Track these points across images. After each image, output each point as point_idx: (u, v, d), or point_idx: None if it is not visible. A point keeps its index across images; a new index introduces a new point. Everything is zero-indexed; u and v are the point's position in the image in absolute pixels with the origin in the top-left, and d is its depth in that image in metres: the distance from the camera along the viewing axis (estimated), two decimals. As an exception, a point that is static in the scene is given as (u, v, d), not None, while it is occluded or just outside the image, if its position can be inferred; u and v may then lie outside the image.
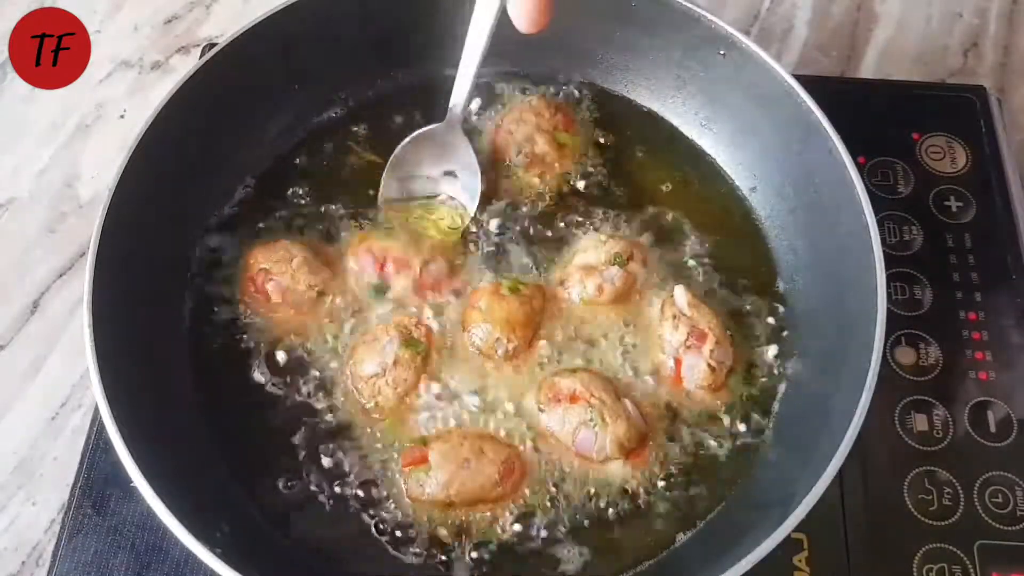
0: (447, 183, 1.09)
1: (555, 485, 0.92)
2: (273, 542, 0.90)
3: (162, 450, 0.84)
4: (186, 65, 1.25)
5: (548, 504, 0.92)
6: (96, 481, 0.98)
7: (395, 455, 0.94)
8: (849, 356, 0.89)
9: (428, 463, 0.90)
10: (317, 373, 0.98)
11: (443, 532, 0.91)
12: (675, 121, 1.16)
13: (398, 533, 0.91)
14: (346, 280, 1.03)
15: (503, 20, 0.90)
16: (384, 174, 1.07)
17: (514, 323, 0.97)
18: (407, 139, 1.06)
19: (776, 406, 0.98)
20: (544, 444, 0.94)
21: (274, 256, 1.01)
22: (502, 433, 0.94)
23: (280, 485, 0.93)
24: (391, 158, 1.07)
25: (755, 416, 0.97)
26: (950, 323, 1.07)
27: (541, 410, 0.94)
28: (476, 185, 1.07)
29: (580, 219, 1.09)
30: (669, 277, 1.04)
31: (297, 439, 0.95)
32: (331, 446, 0.95)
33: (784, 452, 0.94)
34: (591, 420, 0.91)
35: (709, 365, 0.96)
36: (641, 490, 0.93)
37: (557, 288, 1.03)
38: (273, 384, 0.98)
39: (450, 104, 1.04)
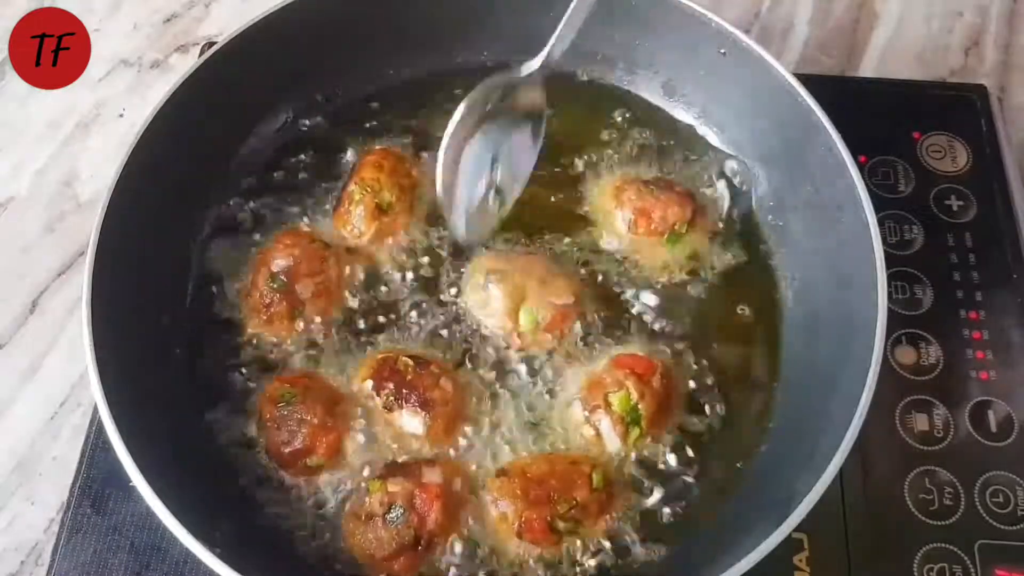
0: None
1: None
2: (273, 542, 0.90)
3: (162, 450, 0.84)
4: (185, 64, 1.25)
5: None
6: (95, 481, 0.98)
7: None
8: (850, 355, 0.89)
9: None
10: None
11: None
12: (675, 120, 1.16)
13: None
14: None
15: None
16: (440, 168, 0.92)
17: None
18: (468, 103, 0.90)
19: (776, 407, 0.98)
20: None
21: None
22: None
23: (280, 485, 0.92)
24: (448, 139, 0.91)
25: (754, 416, 0.97)
26: (951, 322, 1.07)
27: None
28: (527, 166, 0.98)
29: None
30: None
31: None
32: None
33: (784, 452, 0.93)
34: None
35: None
36: (640, 491, 0.92)
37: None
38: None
39: (546, 48, 0.92)
